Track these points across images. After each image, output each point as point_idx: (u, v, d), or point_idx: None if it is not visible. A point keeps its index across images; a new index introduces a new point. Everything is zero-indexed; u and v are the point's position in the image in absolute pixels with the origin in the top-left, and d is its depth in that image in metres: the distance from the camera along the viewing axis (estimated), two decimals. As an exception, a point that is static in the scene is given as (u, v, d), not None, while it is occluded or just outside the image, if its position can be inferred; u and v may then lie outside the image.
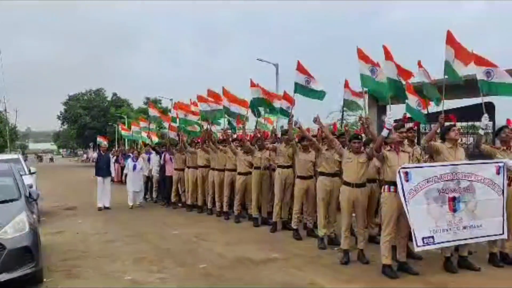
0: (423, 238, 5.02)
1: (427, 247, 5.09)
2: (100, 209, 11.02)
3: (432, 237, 5.07)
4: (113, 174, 11.93)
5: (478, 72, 5.86)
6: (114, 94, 52.82)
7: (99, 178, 11.28)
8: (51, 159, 64.95)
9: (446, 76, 6.05)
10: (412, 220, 4.97)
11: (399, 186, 4.99)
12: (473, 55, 5.86)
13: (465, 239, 5.24)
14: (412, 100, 6.82)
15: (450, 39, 5.87)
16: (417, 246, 5.02)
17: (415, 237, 4.99)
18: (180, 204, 11.27)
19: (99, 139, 26.22)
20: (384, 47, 6.06)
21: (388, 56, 6.10)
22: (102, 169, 11.33)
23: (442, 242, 5.13)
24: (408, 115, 6.91)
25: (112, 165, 11.74)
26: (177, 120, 11.63)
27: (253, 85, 8.88)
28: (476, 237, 5.27)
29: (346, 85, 7.66)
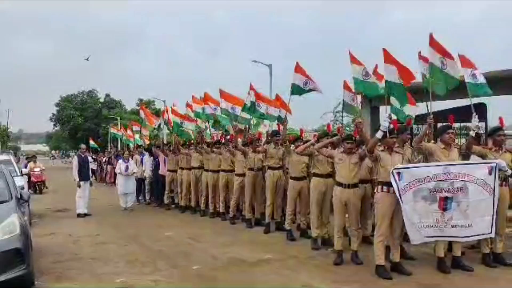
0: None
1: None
2: (79, 215, 10.31)
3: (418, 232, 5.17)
4: (92, 178, 11.54)
5: (465, 74, 5.90)
6: (107, 95, 52.58)
7: (80, 183, 10.44)
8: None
9: (432, 78, 6.05)
10: (406, 218, 5.07)
11: (394, 186, 5.03)
12: (461, 57, 5.91)
13: (453, 236, 5.30)
14: (395, 101, 6.85)
15: (433, 42, 5.87)
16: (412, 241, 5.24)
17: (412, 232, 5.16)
18: (173, 206, 11.24)
19: (92, 143, 26.14)
20: (384, 50, 6.03)
21: (388, 59, 6.07)
22: (83, 173, 10.55)
23: (425, 237, 5.25)
24: (393, 117, 6.85)
25: (90, 168, 11.37)
26: (170, 123, 11.58)
27: (252, 89, 8.83)
28: (465, 236, 5.31)
29: (346, 86, 7.60)
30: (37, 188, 17.00)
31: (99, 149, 26.32)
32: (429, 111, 6.21)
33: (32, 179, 16.69)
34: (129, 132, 17.34)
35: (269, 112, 8.58)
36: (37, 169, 17.23)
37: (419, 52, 6.20)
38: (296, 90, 7.47)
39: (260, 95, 8.88)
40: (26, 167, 16.93)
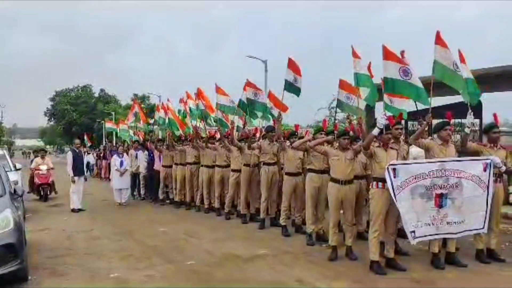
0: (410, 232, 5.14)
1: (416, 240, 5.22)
2: (74, 210, 10.30)
3: (414, 231, 5.16)
4: (86, 173, 11.44)
5: (464, 70, 5.91)
6: (102, 90, 52.46)
7: (75, 178, 10.39)
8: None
9: (433, 75, 6.04)
10: (402, 216, 5.07)
11: (388, 183, 5.02)
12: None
13: (447, 233, 5.32)
14: (387, 97, 6.85)
15: (439, 40, 5.87)
16: (413, 239, 5.16)
17: (407, 232, 5.13)
18: (168, 201, 11.22)
19: (86, 138, 25.99)
20: (384, 47, 6.01)
21: (387, 55, 6.04)
22: (78, 168, 10.49)
23: (422, 236, 5.25)
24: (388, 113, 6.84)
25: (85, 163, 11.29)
26: (166, 119, 11.55)
27: (249, 85, 8.76)
28: (459, 232, 5.34)
29: (341, 85, 7.55)
30: (42, 193, 12.87)
31: (89, 146, 26.13)
32: (423, 108, 6.21)
33: (36, 180, 12.84)
34: (123, 126, 17.27)
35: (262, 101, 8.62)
36: (43, 167, 12.97)
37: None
38: (288, 86, 7.46)
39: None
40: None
